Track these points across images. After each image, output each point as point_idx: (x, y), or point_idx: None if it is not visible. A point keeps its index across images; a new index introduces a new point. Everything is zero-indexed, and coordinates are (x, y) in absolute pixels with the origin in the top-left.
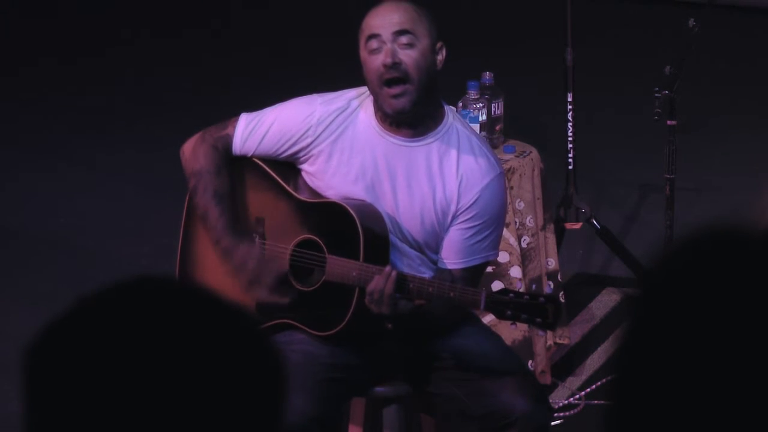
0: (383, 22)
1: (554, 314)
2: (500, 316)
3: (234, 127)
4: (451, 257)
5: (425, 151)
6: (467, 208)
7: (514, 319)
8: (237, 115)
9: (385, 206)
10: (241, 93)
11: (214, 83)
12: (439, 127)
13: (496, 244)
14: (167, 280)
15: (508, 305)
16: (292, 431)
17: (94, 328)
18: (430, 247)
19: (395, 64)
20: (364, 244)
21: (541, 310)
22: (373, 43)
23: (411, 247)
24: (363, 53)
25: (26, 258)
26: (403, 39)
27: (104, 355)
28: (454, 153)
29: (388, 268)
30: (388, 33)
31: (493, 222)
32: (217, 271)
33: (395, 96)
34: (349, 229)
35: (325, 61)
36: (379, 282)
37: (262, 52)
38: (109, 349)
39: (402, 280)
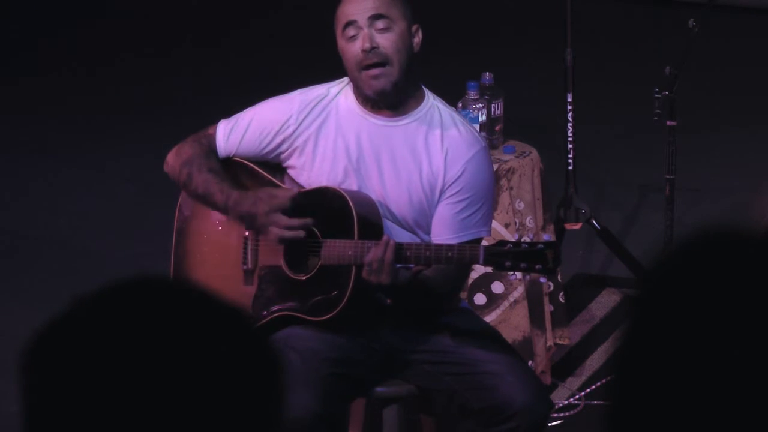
0: (358, 8)
1: (554, 259)
2: (500, 267)
3: (215, 129)
4: (443, 234)
5: (408, 129)
6: (454, 182)
7: (514, 269)
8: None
9: (373, 186)
10: (241, 96)
11: (214, 85)
12: (421, 107)
13: (487, 221)
14: (165, 279)
15: (507, 256)
16: (298, 428)
17: (91, 328)
18: (420, 226)
19: (373, 49)
20: (357, 221)
21: (541, 256)
22: (350, 31)
23: (402, 227)
24: (341, 41)
25: (25, 258)
26: (379, 24)
27: (102, 355)
28: (437, 128)
29: (385, 237)
30: (364, 18)
31: (481, 196)
32: (212, 271)
33: (375, 77)
34: (341, 210)
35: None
36: (378, 251)
37: (263, 55)
38: (107, 350)
39: (399, 249)
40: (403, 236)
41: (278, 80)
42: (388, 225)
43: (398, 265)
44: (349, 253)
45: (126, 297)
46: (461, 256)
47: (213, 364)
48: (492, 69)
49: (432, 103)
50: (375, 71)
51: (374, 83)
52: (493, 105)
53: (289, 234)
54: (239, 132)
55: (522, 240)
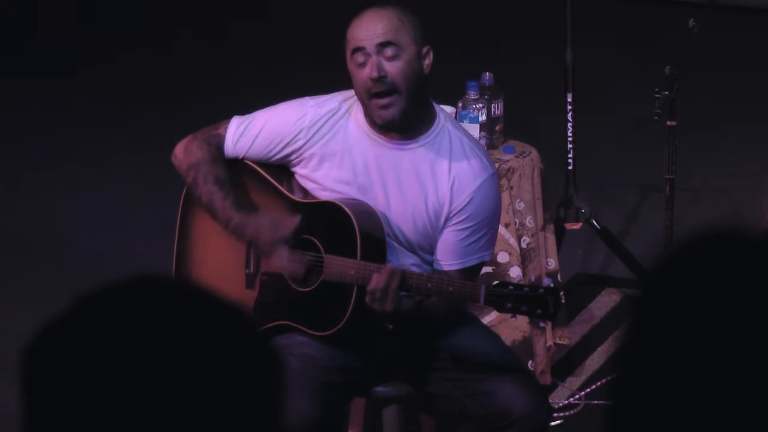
0: (367, 34)
1: (554, 305)
2: (500, 309)
3: (225, 128)
4: (447, 259)
5: (416, 154)
6: (460, 210)
7: (514, 311)
8: (230, 117)
9: (378, 208)
10: (241, 93)
11: (213, 83)
12: (430, 130)
13: (491, 244)
14: (165, 279)
15: (507, 298)
16: None
17: (91, 327)
18: (423, 248)
19: (381, 78)
20: (361, 242)
21: (541, 301)
22: (359, 57)
23: (404, 248)
24: (350, 65)
25: (26, 258)
26: (388, 51)
27: (102, 354)
28: (445, 155)
29: (391, 265)
30: (372, 45)
31: (487, 223)
32: (214, 271)
33: (384, 107)
34: (345, 228)
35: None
36: (382, 279)
37: (262, 53)
38: (107, 349)
39: (402, 277)
40: (406, 257)
41: (280, 78)
42: (391, 245)
43: (402, 293)
44: (351, 272)
45: (126, 296)
46: (462, 292)
47: (213, 363)
48: (492, 69)
49: (442, 125)
50: (383, 101)
51: (383, 113)
52: (493, 105)
53: (290, 267)
54: (249, 138)
55: (523, 282)
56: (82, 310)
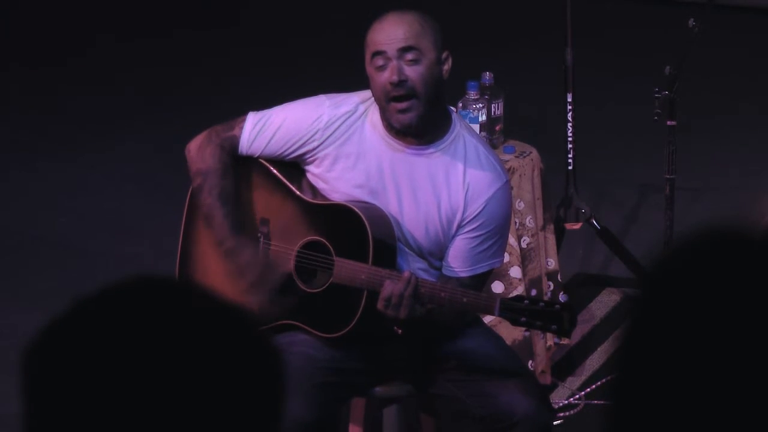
0: (388, 38)
1: (570, 321)
2: (515, 322)
3: (241, 127)
4: (458, 265)
5: (431, 160)
6: (473, 218)
7: (529, 326)
8: (241, 113)
9: (390, 213)
10: (241, 91)
11: (213, 82)
12: (446, 136)
13: (501, 251)
14: (167, 280)
15: (523, 312)
16: None
17: (93, 328)
18: (433, 254)
19: (402, 82)
20: (373, 247)
21: (557, 317)
22: (379, 60)
23: (414, 253)
24: (369, 68)
25: (26, 258)
26: (409, 55)
27: (103, 355)
28: (460, 163)
29: (407, 273)
30: (393, 50)
31: (499, 230)
32: (217, 271)
33: (402, 111)
34: (357, 233)
35: (323, 61)
36: (399, 287)
37: (261, 51)
38: (108, 350)
39: (416, 285)
40: (415, 261)
41: (277, 76)
42: (401, 249)
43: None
44: (362, 277)
45: (127, 297)
46: (476, 304)
47: (214, 364)
48: (492, 69)
49: (458, 131)
50: (402, 105)
51: (401, 117)
52: (493, 105)
53: (266, 306)
54: (264, 138)
55: (539, 297)
56: (83, 311)
